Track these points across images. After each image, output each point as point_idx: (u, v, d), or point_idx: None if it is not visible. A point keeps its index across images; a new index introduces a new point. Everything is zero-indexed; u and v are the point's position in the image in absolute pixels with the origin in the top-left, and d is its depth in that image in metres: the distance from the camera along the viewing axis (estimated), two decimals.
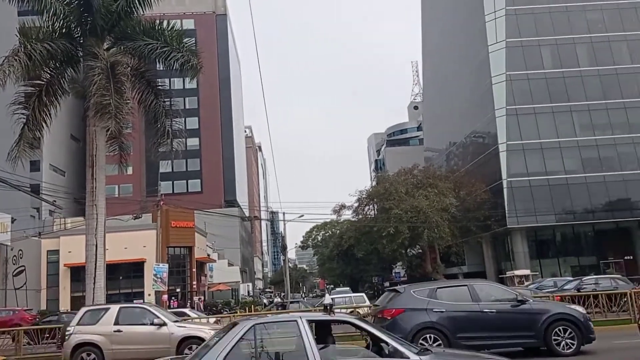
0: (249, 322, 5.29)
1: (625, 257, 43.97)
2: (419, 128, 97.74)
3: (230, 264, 59.91)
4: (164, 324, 13.15)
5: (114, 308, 13.70)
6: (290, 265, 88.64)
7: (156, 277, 25.36)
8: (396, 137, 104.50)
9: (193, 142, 69.22)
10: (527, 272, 39.06)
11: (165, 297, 27.97)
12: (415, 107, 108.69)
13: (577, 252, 46.64)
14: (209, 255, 47.16)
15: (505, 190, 44.62)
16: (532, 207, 44.02)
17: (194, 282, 38.46)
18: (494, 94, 46.76)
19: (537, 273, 41.39)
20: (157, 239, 28.58)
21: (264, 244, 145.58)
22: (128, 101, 15.56)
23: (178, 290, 37.07)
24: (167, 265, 26.86)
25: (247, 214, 79.43)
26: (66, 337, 13.02)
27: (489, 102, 47.36)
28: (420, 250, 48.71)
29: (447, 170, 50.72)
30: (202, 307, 34.41)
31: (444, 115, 63.99)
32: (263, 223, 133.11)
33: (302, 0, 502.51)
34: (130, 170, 57.22)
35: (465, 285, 11.18)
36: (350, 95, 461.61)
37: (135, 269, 35.36)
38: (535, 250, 46.38)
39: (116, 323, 13.15)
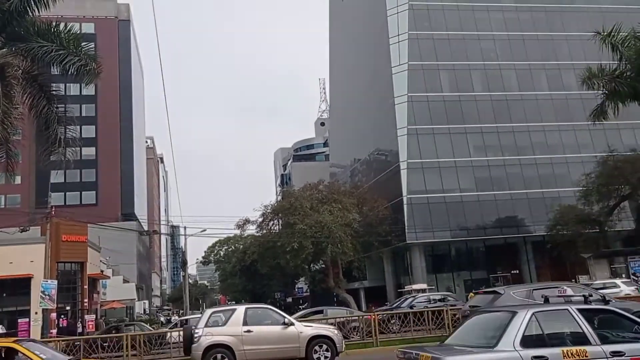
0: (530, 310, 6.49)
1: (512, 271, 46.99)
2: (325, 144, 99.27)
3: (125, 281, 57.07)
4: (292, 324, 13.62)
5: (241, 309, 14.04)
6: (190, 281, 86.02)
7: (44, 294, 23.57)
8: (303, 153, 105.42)
9: (89, 151, 65.68)
10: (424, 286, 40.49)
11: (53, 315, 26.09)
12: (322, 124, 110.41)
13: (470, 266, 49.18)
14: (102, 271, 44.60)
15: (405, 207, 46.24)
16: (429, 223, 45.93)
17: (86, 300, 36.18)
18: (396, 113, 48.55)
19: (434, 287, 43.09)
20: (45, 254, 26.57)
21: (164, 259, 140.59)
22: (17, 106, 14.39)
23: (68, 308, 34.67)
24: (56, 282, 25.04)
25: (146, 228, 76.31)
26: (195, 340, 13.04)
27: (392, 122, 49.08)
28: (324, 265, 49.10)
29: (351, 186, 51.69)
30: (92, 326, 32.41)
31: (349, 132, 65.47)
32: (163, 238, 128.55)
33: (213, 15, 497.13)
34: (18, 180, 53.07)
35: (557, 287, 12.27)
36: (259, 109, 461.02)
37: (21, 285, 32.66)
38: (432, 265, 48.35)
39: (245, 324, 13.40)
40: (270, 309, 14.55)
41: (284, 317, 13.80)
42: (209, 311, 14.19)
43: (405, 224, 45.83)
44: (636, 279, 30.78)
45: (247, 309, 14.00)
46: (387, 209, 46.91)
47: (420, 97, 48.53)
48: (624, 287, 25.18)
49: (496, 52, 51.37)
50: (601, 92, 23.14)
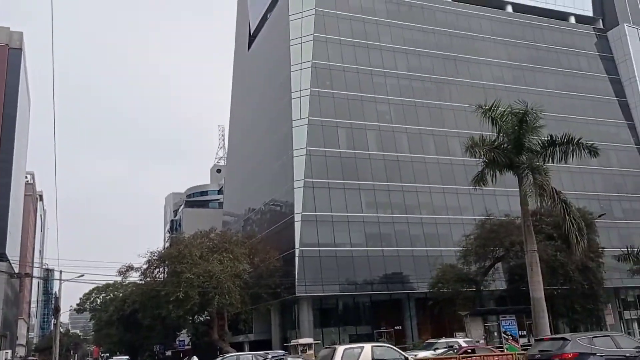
0: None
1: (396, 327, 48.13)
2: (220, 191, 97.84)
3: None
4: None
5: (368, 346, 16.99)
6: (62, 330, 79.32)
7: None
8: (196, 199, 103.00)
9: None
10: (310, 340, 40.26)
11: None
12: (218, 170, 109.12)
13: (356, 321, 49.71)
14: None
15: (297, 259, 46.27)
16: (319, 277, 46.18)
17: None
18: (294, 166, 49.23)
19: (319, 342, 42.93)
20: None
21: (34, 305, 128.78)
22: None
23: None
24: None
25: (17, 270, 69.84)
26: None
27: (289, 174, 49.63)
28: (209, 317, 47.45)
29: (244, 235, 51.04)
30: None
31: (245, 181, 65.21)
32: (35, 281, 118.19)
33: (120, 50, 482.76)
34: None
35: (609, 335, 15.58)
36: (155, 151, 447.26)
37: None
38: (320, 319, 48.32)
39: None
40: (392, 347, 17.71)
41: (402, 354, 17.00)
42: (341, 348, 16.86)
43: (296, 277, 45.75)
44: (506, 337, 32.78)
45: (373, 347, 17.07)
46: (279, 260, 46.68)
47: (318, 152, 49.69)
48: (461, 342, 30.46)
49: (390, 115, 54.18)
50: (482, 160, 25.06)
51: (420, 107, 55.46)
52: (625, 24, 67.69)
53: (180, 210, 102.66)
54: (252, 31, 70.40)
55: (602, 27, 70.03)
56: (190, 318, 46.44)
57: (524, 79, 61.19)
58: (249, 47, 71.49)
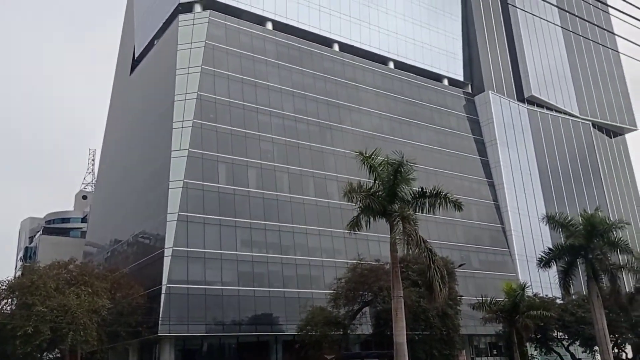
0: None
1: None
2: (83, 219, 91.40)
3: None
4: None
5: None
6: None
7: None
8: (56, 226, 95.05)
9: None
10: None
11: None
12: (84, 197, 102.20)
13: None
14: None
15: (162, 296, 43.93)
16: (186, 316, 44.16)
17: None
18: (169, 198, 47.29)
19: None
20: None
21: None
22: None
23: None
24: None
25: None
26: None
27: (163, 206, 47.56)
28: (59, 355, 43.31)
29: (106, 268, 47.68)
30: None
31: (113, 210, 61.51)
32: None
33: None
34: None
35: None
36: (12, 168, 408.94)
37: None
38: None
39: None
40: None
41: None
42: None
43: (160, 315, 43.31)
44: None
45: None
46: (143, 297, 44.02)
47: (195, 185, 48.30)
48: None
49: (273, 154, 54.37)
50: (358, 205, 25.78)
51: (303, 148, 56.35)
52: (489, 91, 74.71)
53: (36, 237, 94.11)
54: (136, 56, 67.98)
55: (470, 91, 76.62)
56: (39, 355, 42.05)
57: (400, 131, 64.73)
58: (131, 72, 68.83)
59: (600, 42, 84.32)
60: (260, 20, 60.24)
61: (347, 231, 26.93)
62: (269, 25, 60.66)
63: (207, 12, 56.49)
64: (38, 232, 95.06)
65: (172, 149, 49.39)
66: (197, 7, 57.36)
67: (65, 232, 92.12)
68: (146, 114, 59.32)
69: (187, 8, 57.65)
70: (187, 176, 48.26)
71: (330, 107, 60.50)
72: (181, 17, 56.77)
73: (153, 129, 55.65)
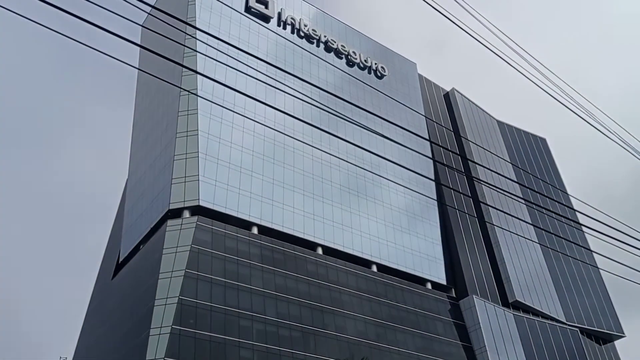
0: None
1: None
2: None
3: None
4: None
5: None
6: None
7: None
8: None
9: None
10: None
11: None
12: None
13: None
14: None
15: None
16: None
17: None
18: None
19: None
20: None
21: None
22: None
23: None
24: None
25: None
26: None
27: None
28: None
29: None
30: None
31: None
32: None
33: None
34: None
35: None
36: None
37: None
38: None
39: None
40: None
41: None
42: None
43: None
44: None
45: None
46: None
47: None
48: None
49: None
50: None
51: (285, 356, 53.84)
52: (474, 296, 74.57)
53: None
54: (120, 260, 68.21)
55: (454, 295, 76.43)
56: None
57: (386, 337, 62.89)
58: (113, 276, 68.41)
59: (578, 258, 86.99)
60: (247, 225, 62.05)
61: None
62: (255, 230, 62.33)
63: (195, 217, 58.30)
64: None
65: (147, 358, 46.82)
66: (186, 213, 59.29)
67: None
68: (124, 319, 57.48)
69: (175, 214, 59.54)
70: None
71: (313, 311, 59.41)
72: (169, 222, 58.36)
73: (129, 336, 53.40)
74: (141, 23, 24.81)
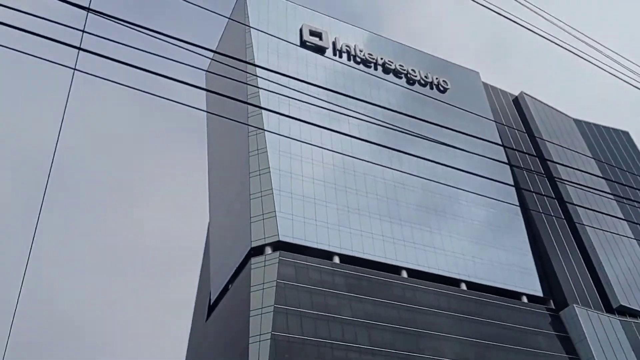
0: None
1: None
2: None
3: None
4: None
5: None
6: None
7: None
8: None
9: None
10: None
11: None
12: None
13: None
14: None
15: None
16: None
17: None
18: None
19: None
20: None
21: None
22: None
23: None
24: None
25: None
26: None
27: None
28: None
29: None
30: None
31: None
32: None
33: None
34: None
35: None
36: None
37: None
38: None
39: None
40: None
41: None
42: None
43: None
44: None
45: None
46: None
47: None
48: None
49: None
50: None
51: None
52: (574, 305, 70.36)
53: None
54: (212, 302, 70.06)
55: (553, 307, 72.45)
56: None
57: (487, 356, 60.39)
58: (207, 318, 70.25)
59: None
60: (328, 255, 62.15)
61: None
62: (336, 259, 62.30)
63: (277, 253, 59.11)
64: None
65: None
66: (268, 249, 60.20)
67: None
68: (221, 358, 58.67)
69: (258, 251, 60.61)
70: None
71: (407, 336, 58.13)
72: (253, 259, 59.47)
73: None
74: (205, 69, 25.99)
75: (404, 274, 65.18)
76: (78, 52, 11.01)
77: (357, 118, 17.63)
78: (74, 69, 12.02)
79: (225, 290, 66.78)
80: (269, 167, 64.94)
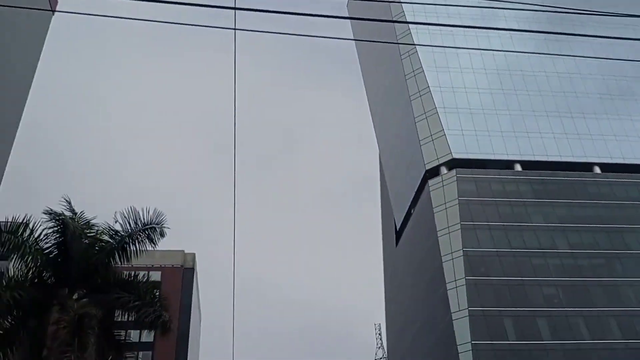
0: None
1: None
2: None
3: None
4: None
5: None
6: None
7: None
8: None
9: None
10: None
11: None
12: None
13: None
14: None
15: None
16: None
17: None
18: None
19: None
20: None
21: None
22: (90, 357, 14.37)
23: None
24: None
25: None
26: None
27: None
28: None
29: None
30: None
31: None
32: None
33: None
34: None
35: None
36: (311, 353, 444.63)
37: None
38: None
39: None
40: None
41: None
42: None
43: None
44: None
45: None
46: None
47: (484, 346, 45.92)
48: None
49: (560, 298, 49.76)
50: None
51: (592, 285, 50.56)
52: None
53: None
54: (397, 228, 72.23)
55: None
56: None
57: None
58: (396, 243, 72.77)
59: None
60: (508, 165, 59.86)
61: None
62: (518, 167, 59.77)
63: (454, 171, 58.41)
64: None
65: (452, 311, 48.81)
66: (443, 169, 59.71)
67: None
68: (418, 280, 60.79)
69: (433, 173, 60.45)
70: (473, 337, 46.49)
71: (610, 234, 54.43)
72: (430, 182, 59.61)
73: (428, 294, 56.30)
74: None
75: (597, 169, 60.36)
76: (235, 12, 11.85)
77: (513, 9, 16.47)
78: (234, 29, 12.95)
79: (408, 215, 68.28)
80: (428, 87, 63.55)
